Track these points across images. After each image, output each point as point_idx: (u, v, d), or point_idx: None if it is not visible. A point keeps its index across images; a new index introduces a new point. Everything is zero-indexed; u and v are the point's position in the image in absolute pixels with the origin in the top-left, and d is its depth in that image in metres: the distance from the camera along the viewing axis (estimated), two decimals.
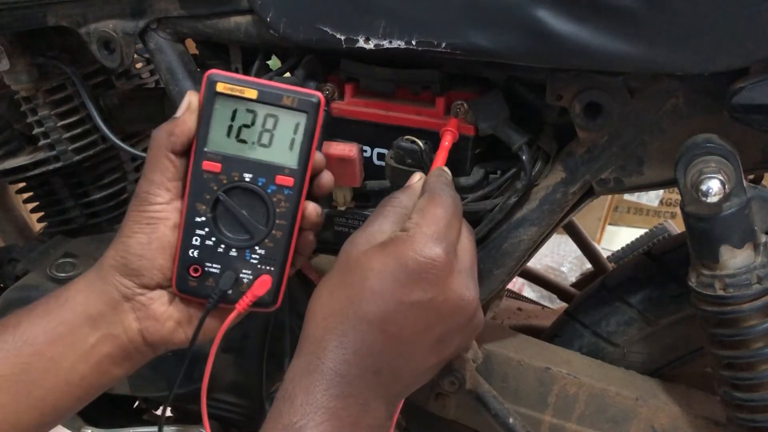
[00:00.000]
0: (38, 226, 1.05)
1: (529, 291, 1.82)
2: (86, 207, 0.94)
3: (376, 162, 0.70)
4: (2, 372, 0.55)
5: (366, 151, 0.69)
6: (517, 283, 1.79)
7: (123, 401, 1.04)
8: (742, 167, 0.57)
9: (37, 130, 0.86)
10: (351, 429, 0.51)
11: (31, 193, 0.96)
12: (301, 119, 0.56)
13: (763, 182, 0.77)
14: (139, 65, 0.97)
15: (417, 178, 0.59)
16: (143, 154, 0.85)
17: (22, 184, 0.96)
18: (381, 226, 0.54)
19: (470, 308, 0.55)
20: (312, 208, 0.59)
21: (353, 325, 0.51)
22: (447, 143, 0.62)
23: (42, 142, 0.86)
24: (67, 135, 0.85)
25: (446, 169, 0.60)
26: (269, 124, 0.56)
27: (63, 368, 0.57)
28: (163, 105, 0.87)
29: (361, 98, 0.68)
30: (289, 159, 0.57)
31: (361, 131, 0.68)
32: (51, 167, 0.87)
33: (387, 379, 0.53)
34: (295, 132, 0.56)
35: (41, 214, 0.97)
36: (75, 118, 0.86)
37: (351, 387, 0.51)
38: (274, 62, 0.75)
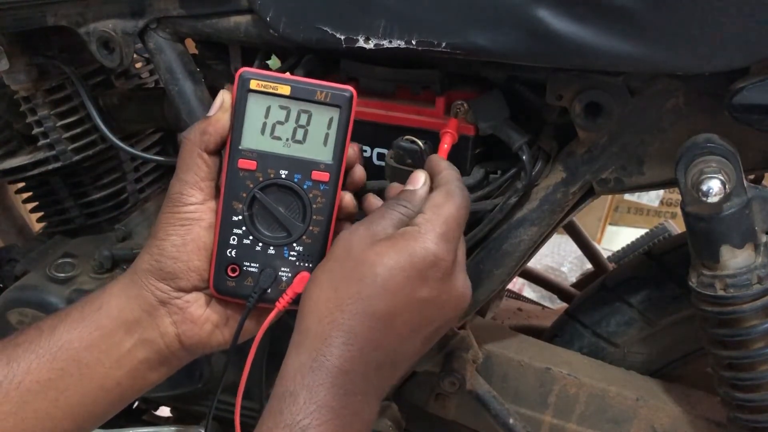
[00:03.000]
0: (37, 226, 1.05)
1: (529, 291, 1.82)
2: (85, 207, 0.93)
3: (376, 162, 0.70)
4: (38, 377, 0.54)
5: (366, 151, 0.69)
6: (517, 283, 1.79)
7: None
8: (743, 167, 0.57)
9: (36, 130, 0.86)
10: (351, 426, 0.50)
11: (30, 193, 0.96)
12: (335, 114, 0.56)
13: (764, 182, 0.77)
14: (138, 65, 0.97)
15: (422, 180, 0.57)
16: (143, 154, 0.85)
17: (21, 184, 0.96)
18: (385, 229, 0.54)
19: (467, 303, 0.56)
20: (348, 199, 0.59)
21: (361, 321, 0.51)
22: (446, 146, 0.62)
23: (41, 142, 0.86)
24: (67, 135, 0.85)
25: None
26: (303, 120, 0.56)
27: (98, 374, 0.56)
28: (163, 105, 0.87)
29: (361, 98, 0.68)
30: (324, 154, 0.56)
31: (361, 131, 0.68)
32: (50, 167, 0.87)
33: (386, 373, 0.54)
34: (329, 127, 0.56)
35: (40, 214, 0.97)
36: (74, 117, 0.85)
37: (354, 384, 0.51)
38: (273, 62, 0.75)
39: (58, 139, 0.85)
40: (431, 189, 0.56)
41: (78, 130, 0.86)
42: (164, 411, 1.12)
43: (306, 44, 0.63)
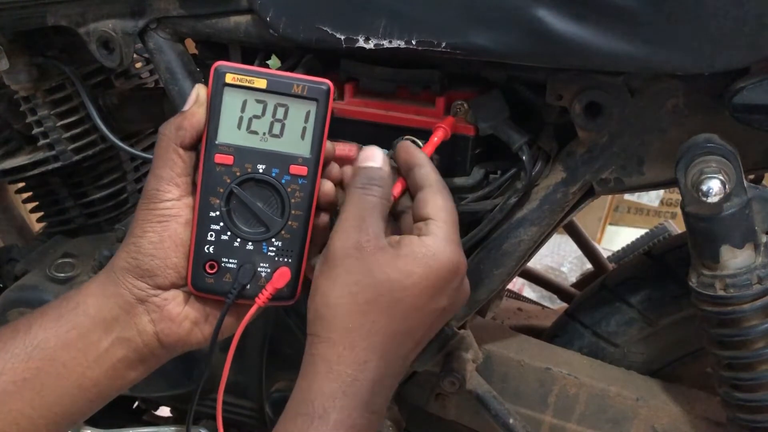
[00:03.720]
0: (37, 226, 1.05)
1: (529, 291, 1.82)
2: (85, 207, 0.93)
3: None
4: (14, 378, 0.54)
5: None
6: (517, 283, 1.79)
7: (122, 401, 1.04)
8: (743, 167, 0.57)
9: (36, 130, 0.86)
10: None
11: (30, 193, 0.96)
12: (312, 107, 0.55)
13: (764, 182, 0.77)
14: (138, 65, 0.97)
15: (381, 158, 0.56)
16: (143, 154, 0.85)
17: (21, 184, 0.96)
18: (378, 223, 0.53)
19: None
20: (329, 187, 0.58)
21: (392, 340, 0.52)
22: (436, 139, 0.61)
23: (41, 142, 0.86)
24: (67, 135, 0.85)
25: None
26: (280, 114, 0.55)
27: (75, 373, 0.55)
28: (163, 105, 0.87)
29: (361, 98, 0.68)
30: (302, 148, 0.56)
31: (361, 131, 0.68)
32: (50, 167, 0.87)
33: (399, 379, 0.55)
34: (306, 120, 0.56)
35: (40, 214, 0.97)
36: (74, 117, 0.85)
37: (378, 404, 0.52)
38: (273, 62, 0.75)
39: (58, 139, 0.85)
40: (412, 186, 0.56)
41: (78, 130, 0.86)
42: (164, 411, 1.12)
43: (306, 44, 0.63)
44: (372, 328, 0.51)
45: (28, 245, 0.98)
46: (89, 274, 0.88)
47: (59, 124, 0.85)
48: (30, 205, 0.98)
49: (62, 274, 0.88)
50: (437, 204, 0.54)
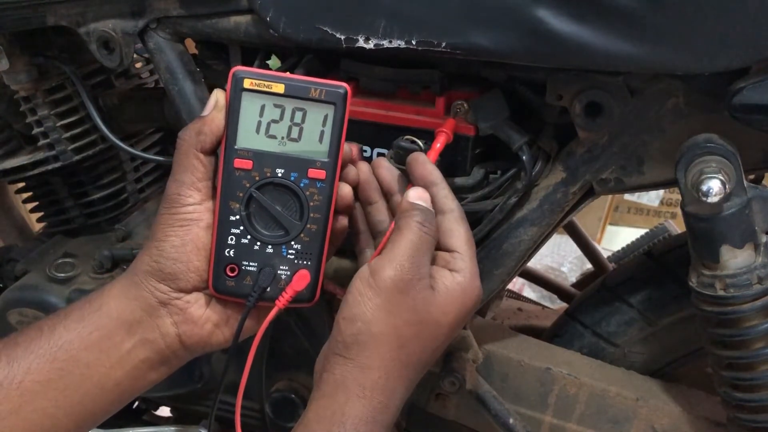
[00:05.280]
0: (37, 226, 1.05)
1: (529, 291, 1.82)
2: (85, 207, 0.93)
3: None
4: (38, 377, 0.54)
5: (366, 151, 0.69)
6: (517, 283, 1.79)
7: None
8: (743, 167, 0.57)
9: (36, 130, 0.86)
10: None
11: (30, 193, 0.96)
12: (329, 111, 0.56)
13: (764, 182, 0.77)
14: (138, 65, 0.97)
15: (428, 197, 0.57)
16: (143, 154, 0.85)
17: (21, 184, 0.96)
18: (429, 262, 0.55)
19: None
20: (347, 190, 0.59)
21: (419, 371, 0.56)
22: (439, 145, 0.62)
23: (41, 142, 0.86)
24: (67, 135, 0.85)
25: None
26: (298, 118, 0.56)
27: (98, 374, 0.56)
28: (163, 105, 0.87)
29: (361, 98, 0.68)
30: (320, 151, 0.56)
31: (361, 131, 0.68)
32: (50, 167, 0.87)
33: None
34: (324, 124, 0.56)
35: (40, 214, 0.97)
36: (74, 117, 0.85)
37: (392, 423, 0.55)
38: (273, 62, 0.75)
39: (58, 139, 0.85)
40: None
41: (78, 130, 0.86)
42: (164, 411, 1.12)
43: (306, 44, 0.63)
44: (406, 360, 0.54)
45: (28, 245, 0.98)
46: (89, 274, 0.88)
47: (59, 124, 0.85)
48: (30, 205, 0.98)
49: (62, 274, 0.88)
50: (461, 235, 0.56)
